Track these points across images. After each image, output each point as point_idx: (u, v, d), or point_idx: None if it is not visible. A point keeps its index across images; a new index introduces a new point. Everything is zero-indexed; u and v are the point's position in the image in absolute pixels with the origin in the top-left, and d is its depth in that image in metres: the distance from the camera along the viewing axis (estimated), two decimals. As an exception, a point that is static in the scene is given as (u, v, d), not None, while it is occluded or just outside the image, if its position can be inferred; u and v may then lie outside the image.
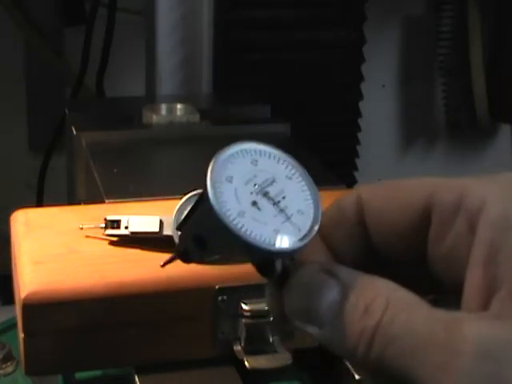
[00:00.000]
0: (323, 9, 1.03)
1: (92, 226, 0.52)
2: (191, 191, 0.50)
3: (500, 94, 1.20)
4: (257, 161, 0.37)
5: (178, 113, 0.78)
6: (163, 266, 0.37)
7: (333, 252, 0.36)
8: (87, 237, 0.52)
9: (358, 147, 1.08)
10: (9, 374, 0.64)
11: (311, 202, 0.36)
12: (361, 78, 1.05)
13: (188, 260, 0.36)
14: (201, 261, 0.36)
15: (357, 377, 0.49)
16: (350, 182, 1.07)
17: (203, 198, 0.34)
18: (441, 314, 0.30)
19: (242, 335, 0.48)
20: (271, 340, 0.49)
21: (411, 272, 0.35)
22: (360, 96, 1.05)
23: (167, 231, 0.50)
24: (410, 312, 0.31)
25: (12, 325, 0.68)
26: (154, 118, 0.76)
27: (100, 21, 0.99)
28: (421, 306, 0.31)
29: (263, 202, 0.35)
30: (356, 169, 1.09)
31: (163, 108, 0.78)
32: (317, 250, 0.35)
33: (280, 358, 0.48)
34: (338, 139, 1.06)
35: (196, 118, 0.77)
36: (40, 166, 1.06)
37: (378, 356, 0.31)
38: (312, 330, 0.34)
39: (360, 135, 1.07)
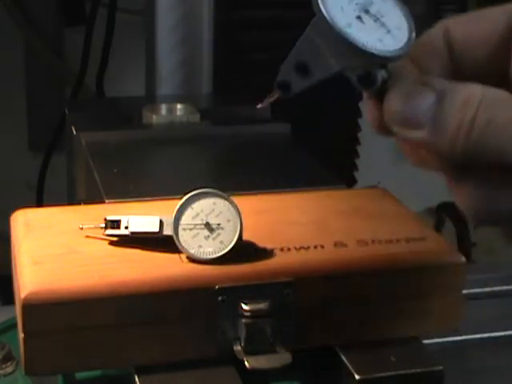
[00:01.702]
0: (323, 9, 1.03)
1: (92, 226, 0.52)
2: (191, 191, 0.50)
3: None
4: None
5: (178, 113, 0.78)
6: (261, 106, 0.41)
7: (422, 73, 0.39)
8: (87, 237, 0.52)
9: (358, 147, 1.08)
10: (9, 374, 0.64)
11: (405, 20, 0.40)
12: (361, 78, 1.05)
13: (287, 92, 0.42)
14: (299, 91, 0.41)
15: (357, 377, 0.49)
16: (350, 182, 1.07)
17: (312, 19, 0.39)
18: None
19: (242, 335, 0.48)
20: (271, 340, 0.49)
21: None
22: (360, 96, 1.05)
23: (167, 231, 0.50)
24: (505, 100, 0.35)
25: (12, 325, 0.68)
26: (154, 118, 0.76)
27: (100, 21, 0.99)
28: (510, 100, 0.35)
29: (366, 18, 0.40)
30: (356, 169, 1.09)
31: (163, 108, 0.78)
32: (409, 69, 0.39)
33: (280, 358, 0.48)
34: (338, 139, 1.06)
35: (196, 118, 0.77)
36: (40, 166, 1.06)
37: (478, 138, 0.35)
38: (411, 133, 0.37)
39: (360, 135, 1.07)
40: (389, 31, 0.40)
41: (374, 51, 0.38)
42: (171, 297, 0.48)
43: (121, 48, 1.02)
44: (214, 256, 0.49)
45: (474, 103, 0.35)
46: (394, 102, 0.38)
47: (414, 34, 0.39)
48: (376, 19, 0.40)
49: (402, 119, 0.37)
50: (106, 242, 0.51)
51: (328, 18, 0.39)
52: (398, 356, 0.51)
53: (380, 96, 0.39)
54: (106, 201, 0.58)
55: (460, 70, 0.40)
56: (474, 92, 0.36)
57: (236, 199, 0.50)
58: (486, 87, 0.36)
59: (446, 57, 0.40)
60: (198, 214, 0.50)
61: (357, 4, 0.40)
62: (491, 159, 0.35)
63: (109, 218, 0.51)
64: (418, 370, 0.50)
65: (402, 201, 0.59)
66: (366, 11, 0.40)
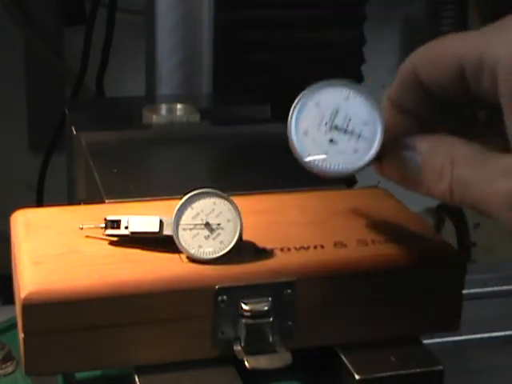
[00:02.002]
0: (323, 9, 1.03)
1: (92, 226, 0.52)
2: (191, 191, 0.50)
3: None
4: (318, 103, 0.46)
5: (178, 113, 0.78)
6: None
7: (405, 113, 0.47)
8: (87, 237, 0.52)
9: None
10: (9, 374, 0.64)
11: (371, 107, 0.46)
12: (361, 78, 1.06)
13: None
14: None
15: (357, 377, 0.49)
16: (350, 182, 1.07)
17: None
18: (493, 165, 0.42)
19: (242, 335, 0.48)
20: (271, 340, 0.49)
21: (461, 115, 0.48)
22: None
23: (167, 231, 0.50)
24: (471, 166, 0.43)
25: (12, 325, 0.68)
26: (154, 118, 0.76)
27: (100, 21, 0.99)
28: (480, 159, 0.42)
29: (337, 135, 0.45)
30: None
31: (163, 108, 0.78)
32: (395, 120, 0.47)
33: (280, 358, 0.48)
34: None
35: (196, 117, 0.77)
36: (40, 166, 1.06)
37: (460, 201, 0.43)
38: (407, 187, 0.46)
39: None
40: (359, 135, 0.45)
41: (352, 170, 0.45)
42: (171, 297, 0.48)
43: (121, 48, 1.02)
44: (214, 256, 0.49)
45: (447, 175, 0.43)
46: (390, 173, 0.47)
47: (382, 121, 0.45)
48: (345, 130, 0.45)
49: (398, 182, 0.47)
50: (106, 242, 0.51)
51: (305, 161, 0.45)
52: (398, 356, 0.51)
53: (379, 158, 0.46)
54: (106, 201, 0.58)
55: (433, 98, 0.46)
56: (446, 158, 0.44)
57: (236, 199, 0.50)
58: (456, 148, 0.44)
59: (420, 92, 0.46)
60: (198, 214, 0.50)
61: (326, 124, 0.45)
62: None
63: (109, 218, 0.51)
64: (418, 370, 0.50)
65: (402, 201, 0.59)
66: (336, 127, 0.45)
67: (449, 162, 0.44)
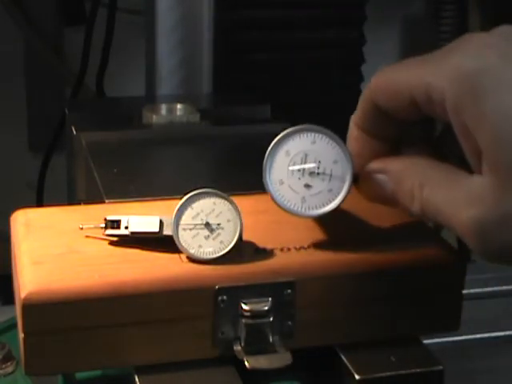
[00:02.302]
0: (323, 9, 1.03)
1: (92, 226, 0.52)
2: (191, 191, 0.50)
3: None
4: (287, 151, 0.48)
5: (178, 113, 0.78)
6: None
7: (372, 136, 0.50)
8: (87, 237, 0.52)
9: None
10: (9, 374, 0.65)
11: (337, 146, 0.49)
12: (361, 77, 1.05)
13: None
14: None
15: (357, 377, 0.49)
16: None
17: None
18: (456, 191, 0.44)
19: (242, 335, 0.48)
20: (271, 340, 0.49)
21: (424, 132, 0.50)
22: (360, 96, 1.04)
23: (167, 231, 0.50)
24: (437, 189, 0.45)
25: (12, 325, 0.68)
26: (154, 118, 0.76)
27: (100, 21, 0.99)
28: (446, 182, 0.44)
29: (311, 180, 0.48)
30: (356, 169, 1.08)
31: (163, 108, 0.78)
32: (364, 144, 0.50)
33: (280, 358, 0.48)
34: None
35: (196, 117, 0.77)
36: (40, 166, 1.06)
37: (434, 220, 0.45)
38: (386, 205, 0.50)
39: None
40: (331, 175, 0.48)
41: (331, 208, 0.48)
42: (171, 297, 0.48)
43: (121, 48, 1.02)
44: (214, 256, 0.49)
45: (418, 197, 0.45)
46: (367, 194, 0.50)
47: (349, 156, 0.48)
48: (317, 173, 0.48)
49: (376, 202, 0.50)
50: (106, 242, 0.51)
51: (285, 209, 0.48)
52: (398, 356, 0.51)
53: (354, 181, 0.49)
54: (106, 201, 0.58)
55: (396, 122, 0.48)
56: (415, 182, 0.46)
57: (236, 199, 0.50)
58: (424, 172, 0.46)
59: (382, 116, 0.48)
60: (198, 214, 0.50)
61: (299, 171, 0.48)
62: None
63: (109, 218, 0.51)
64: (418, 370, 0.50)
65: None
66: (308, 171, 0.48)
67: (418, 184, 0.46)
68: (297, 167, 0.48)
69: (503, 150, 0.40)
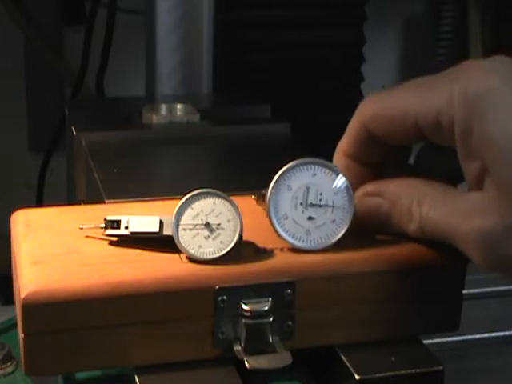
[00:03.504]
0: (323, 9, 1.02)
1: (92, 226, 0.52)
2: (191, 191, 0.50)
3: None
4: (289, 186, 0.49)
5: (178, 113, 0.78)
6: None
7: (360, 162, 0.51)
8: (87, 237, 0.52)
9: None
10: (9, 374, 0.64)
11: (334, 176, 0.50)
12: (361, 77, 1.05)
13: None
14: None
15: (357, 377, 0.49)
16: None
17: None
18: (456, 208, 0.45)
19: (242, 335, 0.48)
20: (271, 340, 0.49)
21: (401, 155, 0.52)
22: (360, 96, 1.05)
23: (167, 231, 0.50)
24: (436, 205, 0.46)
25: (12, 325, 0.68)
26: (154, 118, 0.76)
27: (100, 21, 0.98)
28: (444, 198, 0.46)
29: (313, 211, 0.49)
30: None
31: (163, 108, 0.78)
32: (352, 170, 0.51)
33: (280, 358, 0.48)
34: (339, 139, 1.05)
35: (196, 117, 0.77)
36: (40, 166, 1.06)
37: (432, 237, 0.47)
38: (378, 229, 0.51)
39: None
40: (332, 206, 0.49)
41: (333, 241, 0.50)
42: (171, 297, 0.48)
43: (121, 48, 1.02)
44: (214, 256, 0.49)
45: (416, 216, 0.47)
46: (364, 219, 0.51)
47: (349, 186, 0.50)
48: (320, 205, 0.49)
49: (368, 226, 0.51)
50: (106, 242, 0.51)
51: (293, 245, 0.50)
52: (398, 356, 0.51)
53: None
54: (106, 201, 0.58)
55: (387, 147, 0.50)
56: (412, 201, 0.47)
57: (236, 199, 0.50)
58: (419, 191, 0.47)
59: (374, 144, 0.49)
60: (198, 214, 0.50)
61: (301, 204, 0.49)
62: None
63: (109, 218, 0.51)
64: (418, 370, 0.50)
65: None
66: (311, 204, 0.49)
67: (416, 202, 0.47)
68: (300, 201, 0.49)
69: (508, 168, 0.42)
